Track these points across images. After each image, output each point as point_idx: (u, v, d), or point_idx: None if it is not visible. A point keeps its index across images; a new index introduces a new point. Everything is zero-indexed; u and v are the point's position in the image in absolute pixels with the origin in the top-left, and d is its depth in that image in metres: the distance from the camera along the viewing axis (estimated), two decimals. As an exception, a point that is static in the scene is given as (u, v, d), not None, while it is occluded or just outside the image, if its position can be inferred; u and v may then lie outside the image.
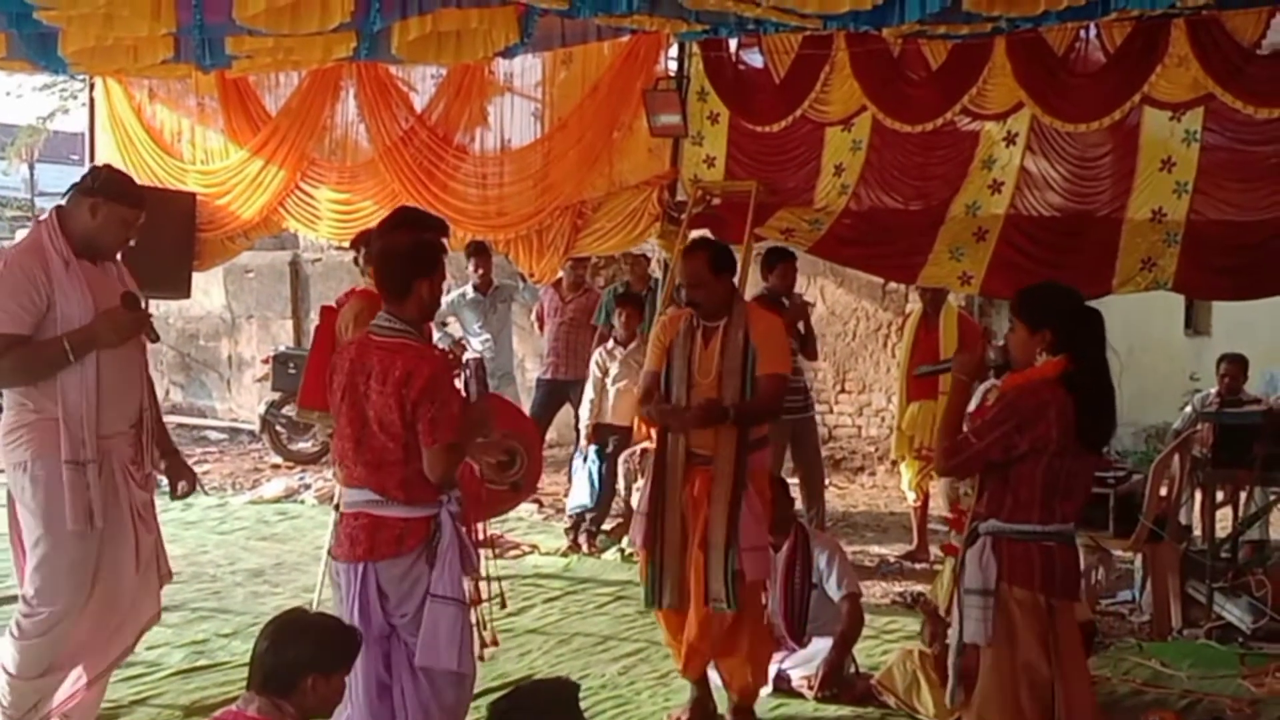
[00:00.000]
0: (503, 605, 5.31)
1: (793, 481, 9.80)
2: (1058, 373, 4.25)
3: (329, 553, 4.57)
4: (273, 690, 3.70)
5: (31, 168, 21.41)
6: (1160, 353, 13.93)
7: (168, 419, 14.26)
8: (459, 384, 4.62)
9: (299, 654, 3.73)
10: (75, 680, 4.98)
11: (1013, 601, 4.27)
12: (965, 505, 4.65)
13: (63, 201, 4.90)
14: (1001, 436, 4.23)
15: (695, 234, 8.76)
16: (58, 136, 17.82)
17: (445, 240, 5.39)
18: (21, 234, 16.79)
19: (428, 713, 4.38)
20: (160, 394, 15.13)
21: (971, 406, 5.14)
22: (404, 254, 4.51)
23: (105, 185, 4.86)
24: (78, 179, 4.99)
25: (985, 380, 5.89)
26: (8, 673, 4.83)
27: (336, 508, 5.04)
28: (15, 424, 4.76)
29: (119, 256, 5.05)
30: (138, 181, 5.07)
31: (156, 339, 5.18)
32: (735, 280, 5.79)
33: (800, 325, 8.66)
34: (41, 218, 4.92)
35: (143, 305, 5.17)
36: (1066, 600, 4.39)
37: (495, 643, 5.32)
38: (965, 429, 4.37)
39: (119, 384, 4.85)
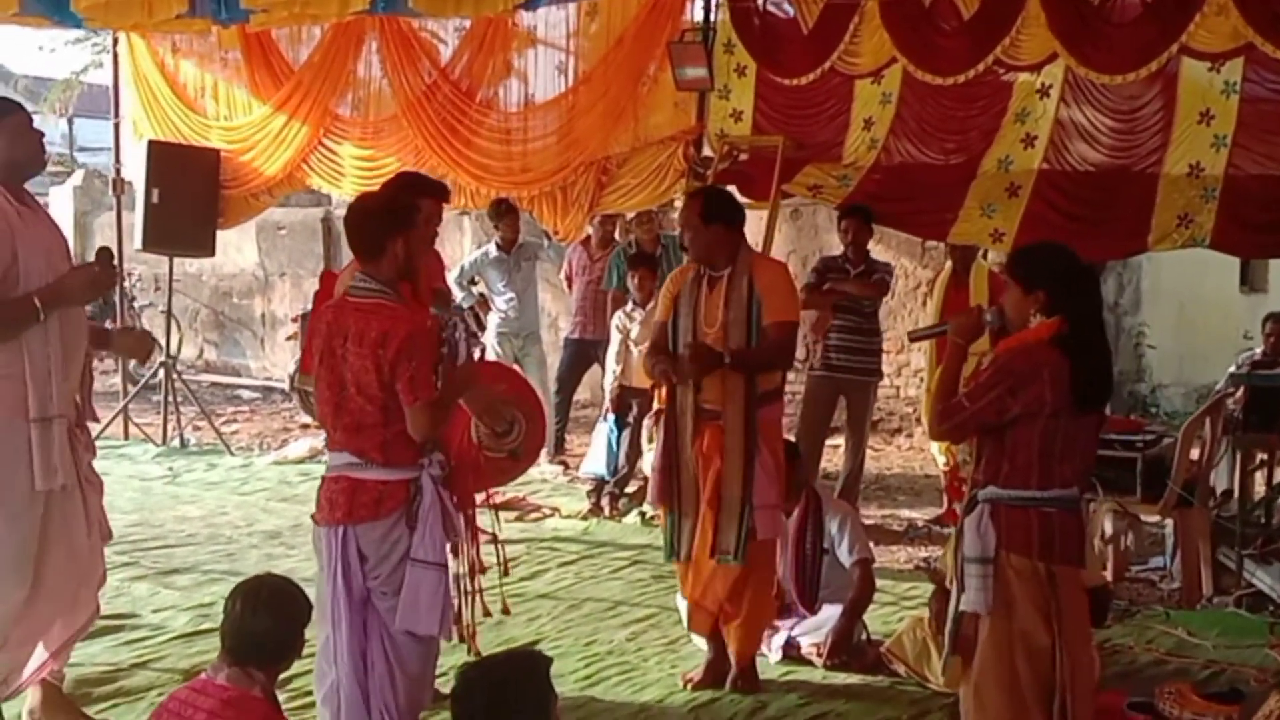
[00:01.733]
0: (505, 573, 5.18)
1: (835, 443, 9.72)
2: (1051, 334, 4.12)
3: (311, 518, 4.46)
4: (250, 659, 3.66)
5: (70, 122, 21.53)
6: (1214, 310, 13.63)
7: (201, 377, 14.51)
8: (454, 335, 4.54)
9: (288, 625, 3.73)
10: (43, 652, 4.87)
11: (1010, 570, 4.15)
12: (965, 473, 4.51)
13: None
14: (994, 399, 4.11)
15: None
16: (94, 90, 17.79)
17: (445, 203, 5.30)
18: (59, 190, 16.91)
19: (394, 681, 4.31)
20: (194, 352, 15.44)
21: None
22: (376, 211, 4.43)
23: None
24: None
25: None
26: None
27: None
28: None
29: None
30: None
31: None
32: (734, 228, 5.62)
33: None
34: None
35: (115, 261, 5.07)
36: (1068, 566, 4.24)
37: (506, 611, 5.28)
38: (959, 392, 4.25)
39: (73, 336, 4.72)
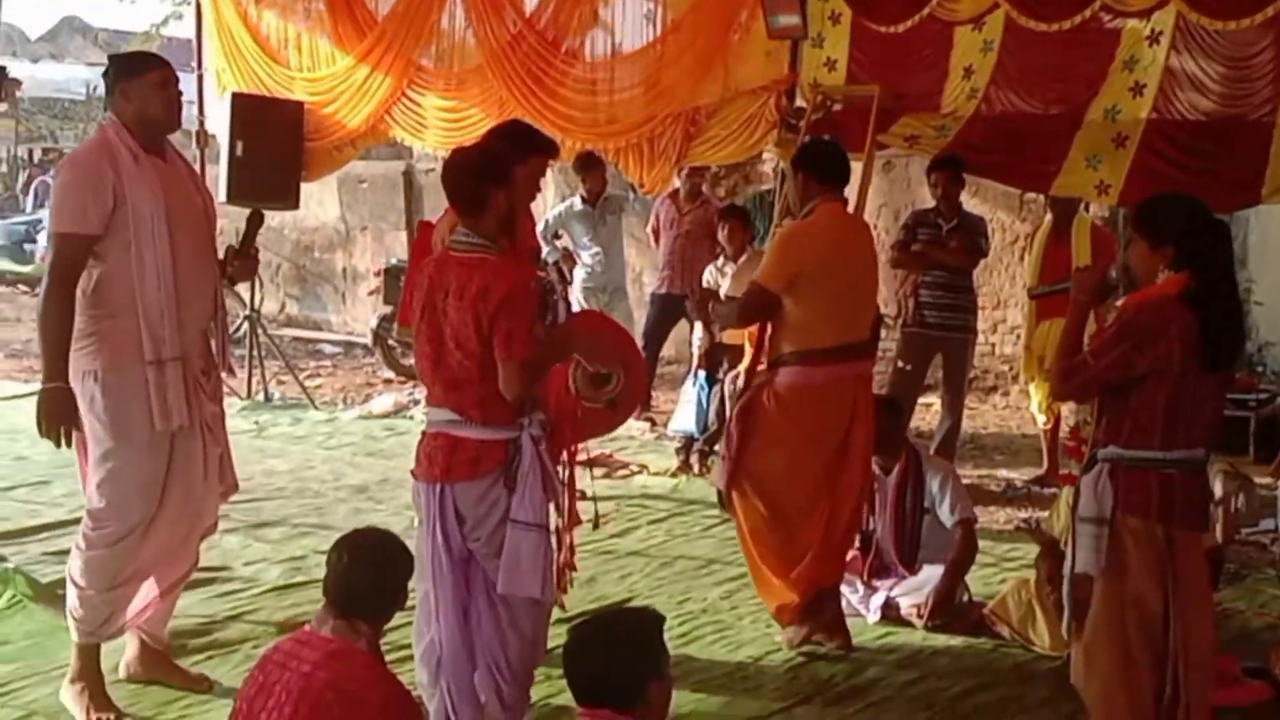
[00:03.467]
0: (595, 526, 5.10)
1: (929, 401, 9.51)
2: (1180, 290, 3.98)
3: (411, 472, 4.38)
4: (352, 612, 3.59)
5: (149, 76, 21.62)
6: (1324, 266, 13.19)
7: (283, 332, 14.54)
8: (553, 297, 4.44)
9: (389, 579, 3.67)
10: (147, 593, 4.92)
11: (1126, 531, 4.03)
12: (1085, 433, 4.38)
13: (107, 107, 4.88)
14: (1120, 356, 3.98)
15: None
16: (173, 43, 17.80)
17: (554, 160, 5.28)
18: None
19: (505, 641, 4.24)
20: (275, 307, 15.48)
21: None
22: (474, 166, 4.33)
23: (121, 69, 4.81)
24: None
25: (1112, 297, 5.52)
26: (77, 585, 4.77)
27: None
28: (86, 330, 4.63)
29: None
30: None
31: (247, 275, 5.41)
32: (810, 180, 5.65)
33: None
34: (103, 122, 4.87)
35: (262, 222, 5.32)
36: (1190, 532, 4.12)
37: (573, 567, 5.19)
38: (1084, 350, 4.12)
39: (195, 283, 4.78)
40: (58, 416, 4.57)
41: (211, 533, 5.23)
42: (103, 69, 4.97)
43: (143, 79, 4.72)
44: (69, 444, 4.69)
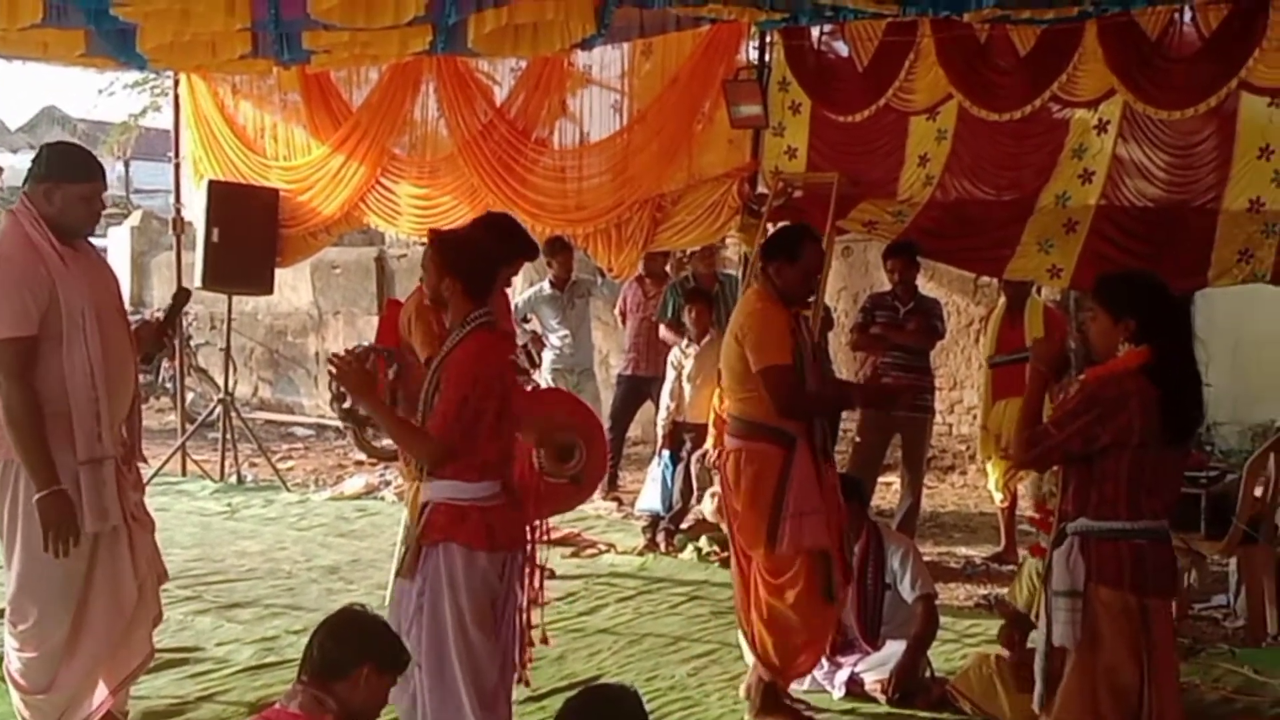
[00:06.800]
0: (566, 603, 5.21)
1: (889, 480, 9.66)
2: (1140, 363, 4.11)
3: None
4: (323, 676, 3.64)
5: (126, 165, 21.82)
6: (1269, 347, 13.39)
7: (255, 415, 14.59)
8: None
9: (361, 643, 3.70)
10: (100, 693, 4.80)
11: (1099, 603, 4.13)
12: (1052, 505, 4.51)
13: (25, 190, 4.69)
14: (1082, 427, 4.10)
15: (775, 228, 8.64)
16: (151, 134, 18.06)
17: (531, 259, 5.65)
18: (116, 231, 17.13)
19: None
20: (248, 390, 15.55)
21: None
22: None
23: (53, 167, 4.63)
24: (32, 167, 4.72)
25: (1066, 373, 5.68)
26: (18, 686, 4.68)
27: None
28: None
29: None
30: (90, 159, 4.77)
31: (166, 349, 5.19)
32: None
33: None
34: (13, 208, 4.70)
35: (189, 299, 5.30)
36: (1161, 599, 4.23)
37: (545, 641, 5.27)
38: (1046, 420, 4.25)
39: (120, 375, 4.67)
40: (64, 523, 4.44)
41: (159, 623, 5.08)
42: (35, 153, 4.80)
43: (73, 189, 4.58)
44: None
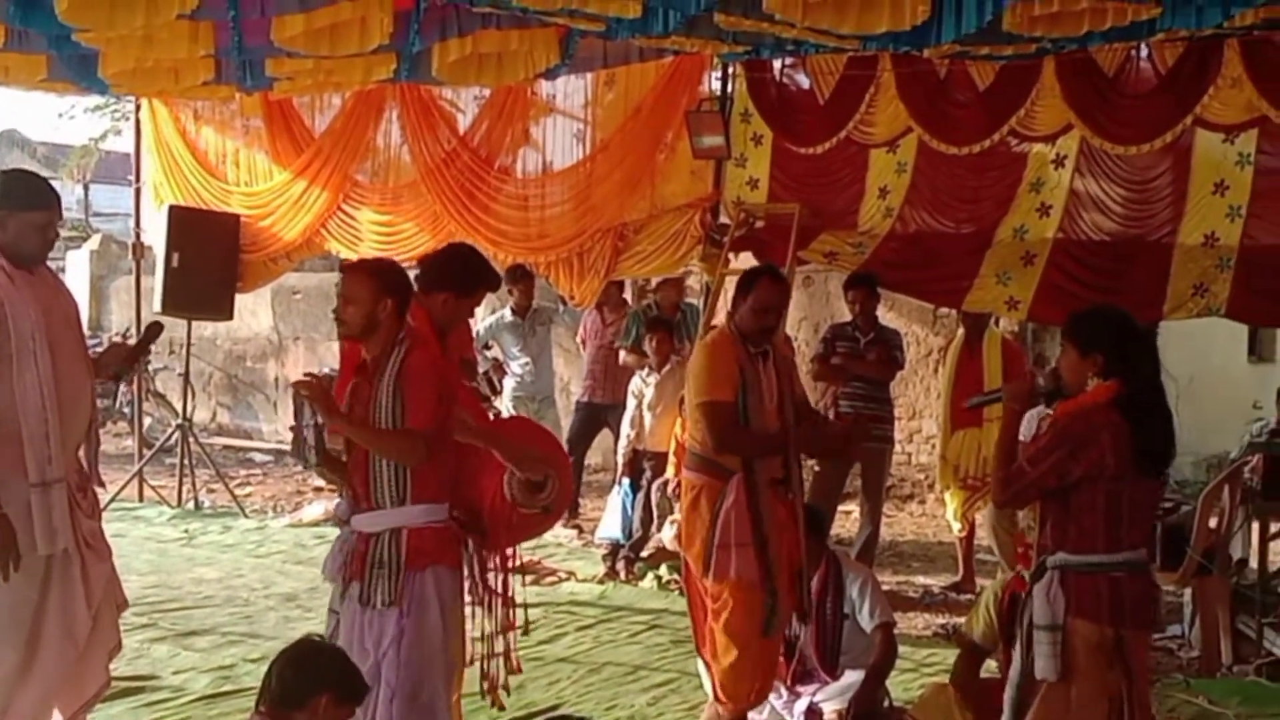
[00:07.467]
0: (525, 632, 5.20)
1: (849, 508, 9.70)
2: (1110, 397, 4.15)
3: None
4: (281, 706, 3.64)
5: (86, 188, 21.73)
6: (1222, 380, 13.62)
7: (214, 441, 14.53)
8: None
9: (319, 673, 3.70)
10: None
11: (1076, 636, 4.16)
12: (1031, 539, 4.54)
13: None
14: (1056, 463, 4.15)
15: (737, 257, 8.70)
16: (111, 157, 17.99)
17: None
18: (75, 254, 17.05)
19: None
20: (207, 416, 15.48)
21: (1026, 436, 5.04)
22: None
23: (7, 195, 4.56)
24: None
25: (1036, 407, 5.72)
26: None
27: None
28: None
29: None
30: (51, 189, 4.69)
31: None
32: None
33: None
34: None
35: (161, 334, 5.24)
36: (1140, 631, 4.28)
37: (519, 670, 5.20)
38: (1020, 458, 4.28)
39: (73, 398, 4.62)
40: (5, 547, 4.34)
41: (118, 652, 4.98)
42: None
43: (27, 216, 4.52)
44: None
